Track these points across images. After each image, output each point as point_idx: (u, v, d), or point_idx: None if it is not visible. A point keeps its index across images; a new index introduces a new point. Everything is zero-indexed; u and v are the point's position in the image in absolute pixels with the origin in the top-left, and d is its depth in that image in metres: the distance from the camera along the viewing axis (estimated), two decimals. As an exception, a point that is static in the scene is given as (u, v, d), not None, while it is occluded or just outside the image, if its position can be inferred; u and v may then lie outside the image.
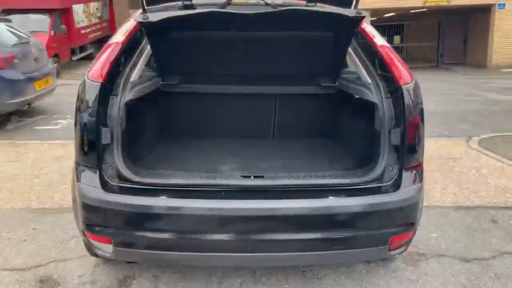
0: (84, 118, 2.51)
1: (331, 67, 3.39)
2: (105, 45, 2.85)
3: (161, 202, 2.40)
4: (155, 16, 2.59)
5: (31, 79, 7.34)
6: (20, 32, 7.87)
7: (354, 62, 3.18)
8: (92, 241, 2.59)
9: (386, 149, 2.61)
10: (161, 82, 3.43)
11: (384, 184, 2.56)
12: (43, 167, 5.36)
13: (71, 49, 15.22)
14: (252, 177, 2.63)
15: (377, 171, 2.56)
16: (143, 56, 3.00)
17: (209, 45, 3.14)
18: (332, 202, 2.45)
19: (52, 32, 13.77)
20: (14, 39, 7.46)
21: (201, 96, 3.64)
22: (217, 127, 3.81)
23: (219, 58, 3.27)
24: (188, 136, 3.73)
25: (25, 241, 3.61)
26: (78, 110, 2.56)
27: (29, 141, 6.54)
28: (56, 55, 13.33)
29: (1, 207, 4.25)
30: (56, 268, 3.23)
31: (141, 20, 2.61)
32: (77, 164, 2.61)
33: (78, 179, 2.56)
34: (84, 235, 2.61)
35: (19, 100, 7.03)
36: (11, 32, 7.60)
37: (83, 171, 2.56)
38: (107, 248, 2.55)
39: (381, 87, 2.75)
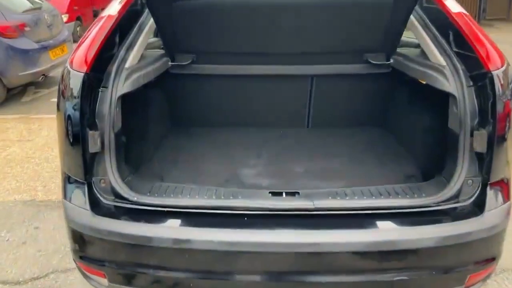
0: (66, 119, 1.93)
1: (385, 40, 2.65)
2: (96, 19, 2.23)
3: (164, 233, 1.83)
4: None
5: (45, 48, 6.82)
6: (32, -5, 7.30)
7: (418, 35, 2.44)
8: (85, 271, 2.07)
9: (466, 156, 1.93)
10: (170, 63, 2.78)
11: (462, 204, 1.91)
12: (54, 148, 4.90)
13: (94, 11, 14.61)
14: (283, 194, 2.01)
15: (454, 186, 1.91)
16: (145, 31, 2.37)
17: (227, 15, 2.45)
18: (393, 235, 1.82)
19: (74, -5, 13.15)
20: (25, 5, 6.90)
21: (219, 79, 2.98)
22: (239, 116, 3.18)
23: (241, 32, 2.58)
24: (204, 128, 3.13)
25: (24, 244, 3.19)
26: (58, 108, 1.99)
27: (44, 115, 6.10)
28: (78, 18, 12.81)
29: (4, 198, 3.83)
30: (56, 282, 2.80)
31: (136, -15, 1.95)
32: (63, 174, 2.07)
33: (64, 195, 2.02)
34: (76, 262, 2.10)
35: (32, 71, 6.54)
36: (22, -4, 7.04)
37: (69, 185, 2.01)
38: (102, 281, 2.03)
39: (460, 71, 2.03)
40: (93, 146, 1.91)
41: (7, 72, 6.32)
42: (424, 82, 2.31)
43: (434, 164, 2.32)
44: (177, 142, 2.90)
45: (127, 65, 2.10)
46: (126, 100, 2.10)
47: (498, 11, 18.60)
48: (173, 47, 2.72)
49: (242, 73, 2.89)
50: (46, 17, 7.00)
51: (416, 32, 2.44)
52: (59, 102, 2.01)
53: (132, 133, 2.48)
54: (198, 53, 2.80)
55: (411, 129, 2.68)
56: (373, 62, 2.80)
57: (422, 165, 2.46)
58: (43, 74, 6.95)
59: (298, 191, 2.00)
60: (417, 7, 2.44)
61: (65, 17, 11.09)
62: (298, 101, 3.10)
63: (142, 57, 2.43)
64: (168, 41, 2.65)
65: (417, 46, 2.84)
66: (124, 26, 2.23)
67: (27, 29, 6.50)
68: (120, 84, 2.02)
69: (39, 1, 7.35)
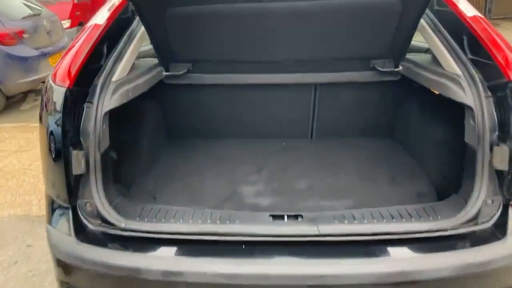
0: (48, 137, 1.78)
1: (393, 46, 2.47)
2: (83, 28, 2.08)
3: (154, 264, 1.67)
4: None
5: (45, 55, 6.70)
6: (31, 2, 7.18)
7: (429, 41, 2.27)
8: None
9: (485, 174, 1.76)
10: (164, 73, 2.63)
11: (482, 227, 1.73)
12: (52, 159, 4.77)
13: (96, 16, 14.55)
14: (285, 217, 1.84)
15: (472, 207, 1.74)
16: (136, 40, 2.21)
17: (224, 22, 2.29)
18: (408, 264, 1.65)
19: (76, 0, 13.07)
20: (24, 11, 6.78)
21: (217, 88, 2.81)
22: (239, 127, 3.02)
23: (239, 39, 2.41)
24: (202, 140, 2.97)
25: (16, 264, 3.04)
26: (40, 122, 1.85)
27: (43, 125, 5.96)
28: (81, 24, 12.71)
29: (-2, 214, 3.69)
30: (47, 307, 2.64)
31: (122, -8, 1.80)
32: (46, 197, 1.92)
33: (48, 220, 1.87)
34: (61, 291, 1.95)
35: (32, 78, 6.41)
36: (21, 3, 6.92)
37: (53, 209, 1.86)
38: None
39: (477, 81, 1.86)
40: (77, 167, 1.76)
41: (6, 80, 6.21)
42: (437, 93, 2.14)
43: (449, 181, 2.15)
44: (173, 156, 2.75)
45: (114, 77, 1.95)
46: (117, 113, 1.95)
47: (504, 11, 18.22)
48: (167, 56, 2.56)
49: (241, 83, 2.72)
50: (45, 23, 6.89)
51: (427, 37, 2.27)
52: (41, 117, 1.86)
53: (124, 149, 2.32)
54: (194, 62, 2.64)
55: (422, 141, 2.50)
56: (381, 69, 2.62)
57: (435, 181, 2.28)
58: (43, 82, 6.82)
59: (301, 213, 1.83)
60: (427, 10, 2.27)
61: (67, 23, 11.01)
62: (301, 111, 2.92)
63: (134, 67, 2.28)
64: (161, 50, 2.50)
65: (427, 51, 2.66)
66: (112, 35, 2.07)
67: (25, 36, 6.38)
68: (107, 99, 1.86)
69: (39, 8, 7.23)
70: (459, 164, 1.96)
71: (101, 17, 2.05)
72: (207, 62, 2.63)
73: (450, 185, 2.17)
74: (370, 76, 2.69)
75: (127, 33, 2.21)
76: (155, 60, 2.60)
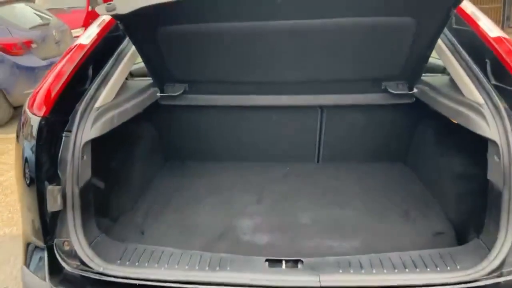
0: (22, 169, 1.62)
1: (406, 67, 2.26)
2: (67, 49, 1.93)
3: None
4: (125, 4, 1.61)
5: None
6: (40, 12, 7.13)
7: (448, 63, 2.05)
8: None
9: (511, 218, 1.54)
10: (158, 94, 2.46)
11: (507, 279, 1.52)
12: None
13: (111, 24, 14.59)
14: (283, 263, 1.64)
15: (496, 256, 1.52)
16: (125, 59, 2.05)
17: (222, 40, 2.10)
18: None
19: (90, 7, 13.10)
20: (32, 21, 6.73)
21: (215, 110, 2.64)
22: (239, 151, 2.84)
23: (238, 58, 2.23)
24: (200, 164, 2.79)
25: (5, 291, 2.89)
26: (16, 154, 1.69)
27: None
28: (94, 31, 12.73)
29: (-7, 233, 3.56)
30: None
31: (105, 12, 1.63)
32: (23, 232, 1.76)
33: (24, 259, 1.71)
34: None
35: (39, 89, 6.34)
36: (32, 12, 6.88)
37: (28, 247, 1.70)
38: None
39: (502, 111, 1.65)
40: (53, 203, 1.59)
41: (13, 90, 6.14)
42: (455, 122, 1.92)
43: (468, 219, 1.93)
44: (168, 182, 2.57)
45: (98, 103, 1.78)
46: (105, 139, 1.79)
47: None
48: (162, 77, 2.40)
49: (241, 104, 2.54)
50: (54, 33, 6.83)
51: (445, 59, 2.05)
52: (16, 147, 1.71)
53: (113, 177, 2.16)
54: (191, 83, 2.47)
55: (439, 171, 2.28)
56: (393, 92, 2.41)
57: (453, 218, 2.06)
58: (51, 92, 6.74)
59: (301, 259, 1.63)
60: (445, 29, 2.06)
61: (81, 31, 10.99)
62: (306, 134, 2.72)
63: (125, 88, 2.12)
64: (155, 70, 2.33)
65: (445, 70, 2.45)
66: (99, 56, 1.92)
67: (34, 45, 6.32)
68: (87, 127, 1.70)
69: (48, 17, 7.19)
70: (480, 201, 1.75)
71: (87, 35, 1.89)
72: (204, 83, 2.46)
73: (469, 223, 1.96)
74: (381, 98, 2.48)
75: (117, 52, 2.05)
76: (149, 80, 2.44)
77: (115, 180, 2.20)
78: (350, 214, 2.16)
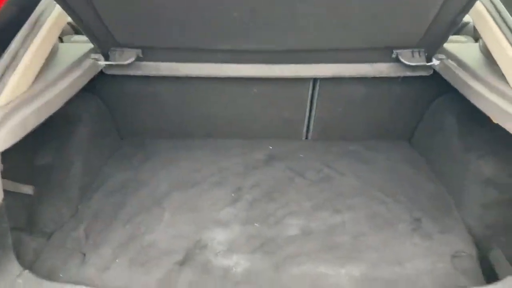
0: None
1: (430, 33, 1.73)
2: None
3: None
4: None
5: None
6: None
7: (489, 37, 1.54)
8: None
9: None
10: (102, 63, 1.87)
11: None
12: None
13: None
14: None
15: None
16: (45, 28, 1.45)
17: None
18: None
19: None
20: None
21: (180, 80, 2.07)
22: (213, 126, 2.31)
23: (209, 19, 1.64)
24: (164, 144, 2.28)
25: None
26: None
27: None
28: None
29: None
30: None
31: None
32: None
33: None
34: None
35: None
36: None
37: None
38: None
39: None
40: None
41: None
42: (488, 115, 1.45)
43: (493, 234, 1.56)
44: (120, 174, 2.04)
45: (2, 99, 1.23)
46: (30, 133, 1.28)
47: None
48: (105, 41, 1.79)
49: (212, 75, 1.98)
50: None
51: (485, 31, 1.53)
52: None
53: (44, 178, 1.66)
54: (145, 48, 1.88)
55: (460, 172, 1.83)
56: (407, 62, 1.89)
57: (475, 232, 1.66)
58: None
59: None
60: None
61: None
62: (293, 109, 2.21)
63: (52, 61, 1.55)
64: (94, 34, 1.72)
65: (475, 33, 1.93)
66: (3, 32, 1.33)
67: None
68: None
69: None
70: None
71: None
72: (164, 49, 1.88)
73: (494, 239, 1.58)
74: (391, 69, 1.96)
75: (32, 18, 1.44)
76: (86, 45, 1.84)
77: (48, 181, 1.70)
78: (348, 223, 1.74)
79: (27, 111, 1.32)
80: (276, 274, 1.52)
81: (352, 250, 1.62)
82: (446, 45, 1.88)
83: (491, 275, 1.50)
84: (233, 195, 1.93)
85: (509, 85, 1.42)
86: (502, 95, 1.42)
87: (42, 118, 1.39)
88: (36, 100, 1.38)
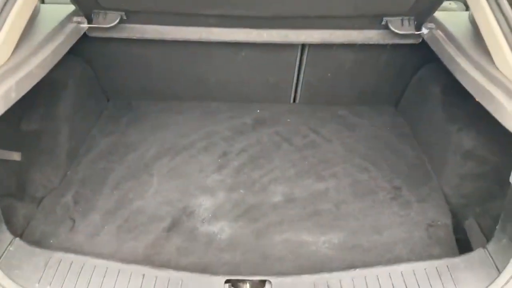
0: None
1: (417, 2, 1.72)
2: None
3: None
4: None
5: None
6: None
7: (479, 13, 1.52)
8: None
9: None
10: (85, 25, 1.83)
11: None
12: None
13: None
14: (247, 285, 1.31)
15: (509, 280, 1.24)
16: None
17: None
18: None
19: None
20: None
21: (165, 44, 2.04)
22: (201, 89, 2.31)
23: None
24: (151, 107, 2.28)
25: None
26: None
27: None
28: None
29: None
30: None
31: None
32: None
33: None
34: None
35: None
36: None
37: None
38: None
39: None
40: None
41: None
42: (477, 99, 1.47)
43: (469, 207, 1.64)
44: (107, 138, 2.06)
45: None
46: None
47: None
48: (87, 2, 1.74)
49: (199, 39, 1.95)
50: None
51: (475, 5, 1.51)
52: None
53: (32, 143, 1.68)
54: (128, 11, 1.83)
55: (442, 141, 1.87)
56: (396, 31, 1.87)
57: (451, 201, 1.73)
58: None
59: (269, 279, 1.30)
60: None
61: None
62: (281, 72, 2.21)
63: (33, 25, 1.52)
64: None
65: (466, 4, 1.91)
66: None
67: None
68: None
69: None
70: (488, 195, 1.42)
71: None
72: (148, 12, 1.83)
73: (470, 212, 1.65)
74: (379, 37, 1.96)
75: None
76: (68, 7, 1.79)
77: (35, 147, 1.72)
78: (331, 190, 1.80)
79: (9, 83, 1.30)
80: (258, 241, 1.59)
81: (334, 218, 1.69)
82: (436, 14, 1.85)
83: (465, 245, 1.58)
84: (219, 160, 1.97)
85: (493, 61, 1.43)
86: (485, 73, 1.43)
87: (26, 89, 1.38)
88: (18, 71, 1.36)
